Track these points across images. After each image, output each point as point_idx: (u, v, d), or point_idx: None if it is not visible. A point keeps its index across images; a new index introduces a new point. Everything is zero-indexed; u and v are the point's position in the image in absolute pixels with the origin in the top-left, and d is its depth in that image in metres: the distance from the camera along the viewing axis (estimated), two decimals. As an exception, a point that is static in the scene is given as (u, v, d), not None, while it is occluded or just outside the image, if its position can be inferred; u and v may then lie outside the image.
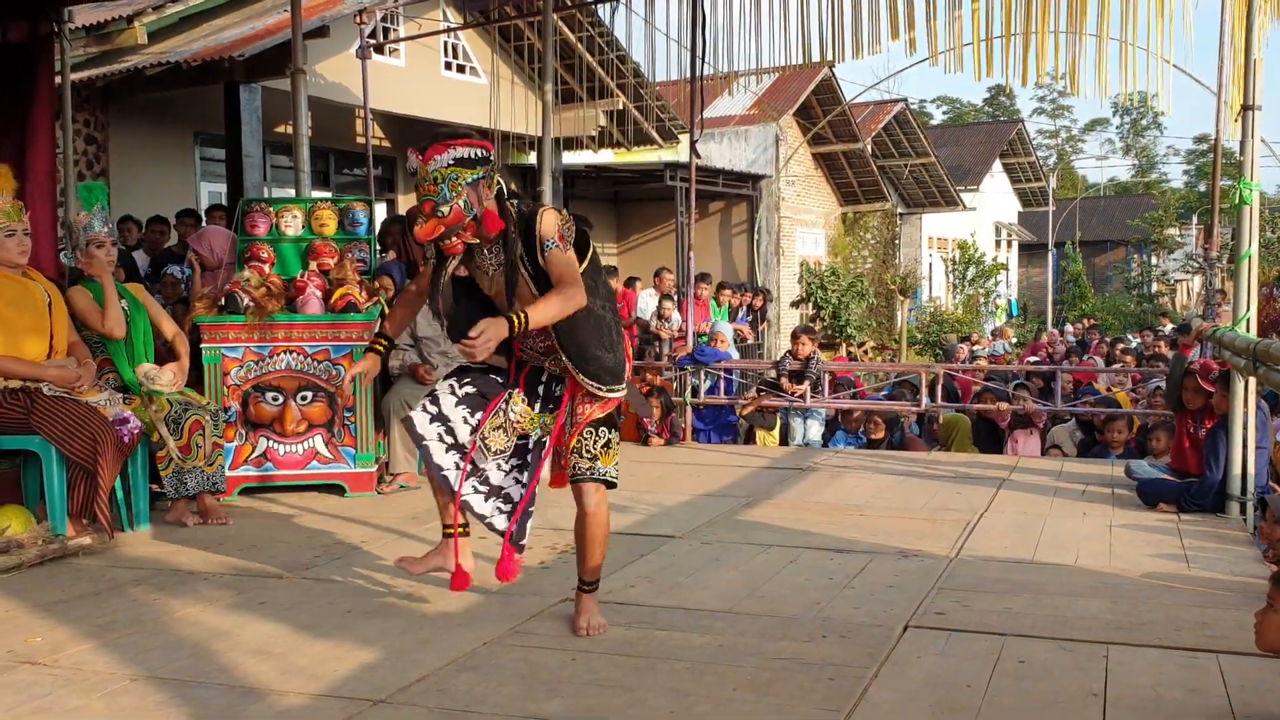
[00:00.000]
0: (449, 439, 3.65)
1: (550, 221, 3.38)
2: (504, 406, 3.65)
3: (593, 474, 3.53)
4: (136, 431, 5.09)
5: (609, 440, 3.56)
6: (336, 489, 6.15)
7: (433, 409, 3.65)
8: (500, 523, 3.68)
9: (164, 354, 5.66)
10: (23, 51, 7.41)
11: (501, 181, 3.45)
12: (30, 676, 3.25)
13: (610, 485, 3.59)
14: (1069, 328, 23.73)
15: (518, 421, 3.64)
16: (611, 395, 3.54)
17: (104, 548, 4.84)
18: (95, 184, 5.53)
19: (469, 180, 3.30)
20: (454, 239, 3.33)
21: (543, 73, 7.31)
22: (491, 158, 3.42)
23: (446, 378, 3.82)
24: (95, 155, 10.87)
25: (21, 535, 4.67)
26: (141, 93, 10.82)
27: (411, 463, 6.34)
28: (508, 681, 3.16)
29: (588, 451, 3.53)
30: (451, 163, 3.28)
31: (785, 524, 5.36)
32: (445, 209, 3.26)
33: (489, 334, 3.18)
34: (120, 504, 5.21)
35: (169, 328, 5.73)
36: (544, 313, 3.29)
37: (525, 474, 3.71)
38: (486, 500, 3.69)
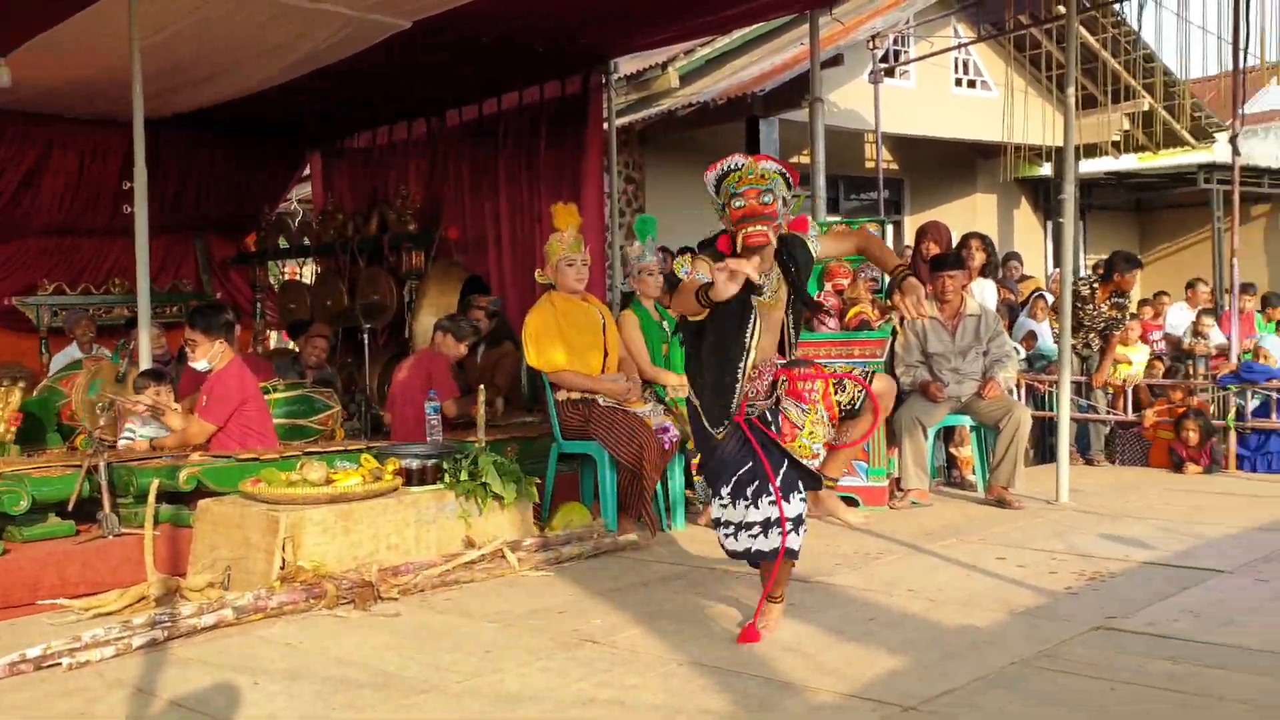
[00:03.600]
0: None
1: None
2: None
3: None
4: (675, 439, 5.57)
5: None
6: (850, 501, 6.28)
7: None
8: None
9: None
10: (577, 103, 8.41)
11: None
12: (592, 654, 3.67)
13: None
14: None
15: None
16: None
17: (648, 544, 5.34)
18: (648, 217, 6.14)
19: (783, 194, 3.69)
20: (762, 228, 3.61)
21: (1062, 80, 7.02)
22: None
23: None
24: (634, 193, 12.00)
25: (581, 529, 5.29)
26: (672, 132, 11.78)
27: (922, 479, 6.34)
28: (1045, 703, 3.07)
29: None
30: (777, 171, 3.70)
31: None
32: (769, 198, 3.63)
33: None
34: (660, 506, 5.71)
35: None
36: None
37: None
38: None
